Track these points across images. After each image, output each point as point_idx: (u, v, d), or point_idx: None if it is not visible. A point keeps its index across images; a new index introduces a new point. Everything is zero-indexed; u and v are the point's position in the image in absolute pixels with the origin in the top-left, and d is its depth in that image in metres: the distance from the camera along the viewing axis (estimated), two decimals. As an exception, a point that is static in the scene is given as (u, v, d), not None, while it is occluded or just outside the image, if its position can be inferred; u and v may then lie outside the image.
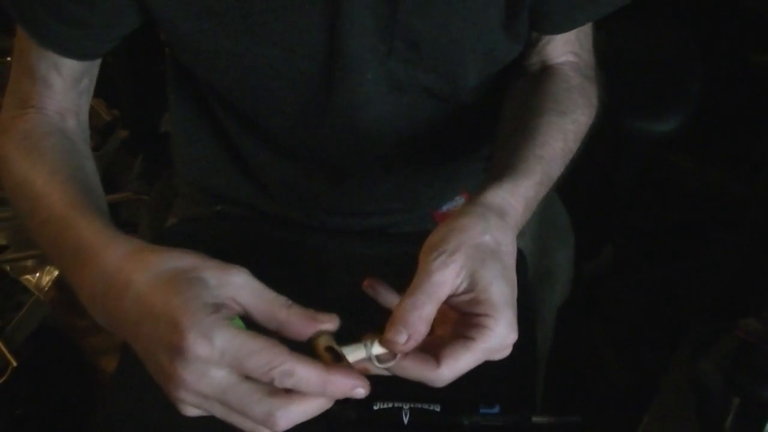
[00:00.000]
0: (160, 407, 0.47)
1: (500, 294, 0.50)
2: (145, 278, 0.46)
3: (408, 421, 0.69)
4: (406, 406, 0.69)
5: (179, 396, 0.44)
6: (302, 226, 0.87)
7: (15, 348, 1.32)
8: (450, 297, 0.50)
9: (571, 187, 0.78)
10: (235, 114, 0.76)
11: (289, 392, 0.44)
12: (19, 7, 0.62)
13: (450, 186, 0.87)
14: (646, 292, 1.62)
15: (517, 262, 0.54)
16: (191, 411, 0.46)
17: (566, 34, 0.70)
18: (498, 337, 0.49)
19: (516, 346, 0.51)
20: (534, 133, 0.63)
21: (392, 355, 0.49)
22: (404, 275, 0.51)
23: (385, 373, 0.50)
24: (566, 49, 0.71)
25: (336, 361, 0.46)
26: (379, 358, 0.49)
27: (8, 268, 1.46)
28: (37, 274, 1.47)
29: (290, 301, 0.47)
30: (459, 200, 0.89)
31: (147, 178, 1.42)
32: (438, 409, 0.69)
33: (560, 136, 0.64)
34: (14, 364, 1.29)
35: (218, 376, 0.43)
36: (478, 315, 0.49)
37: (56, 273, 1.47)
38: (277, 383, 0.43)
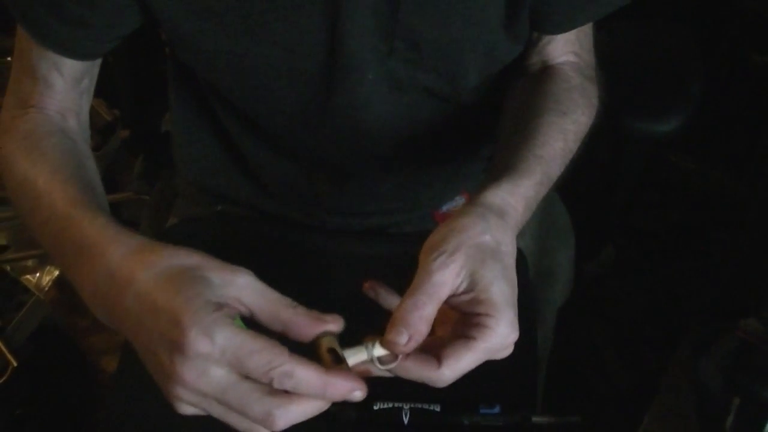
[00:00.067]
0: (160, 407, 0.47)
1: (501, 293, 0.50)
2: (149, 275, 0.46)
3: (408, 421, 0.69)
4: (406, 406, 0.69)
5: (177, 393, 0.44)
6: (302, 226, 0.87)
7: (15, 348, 1.32)
8: (450, 297, 0.50)
9: (572, 187, 0.78)
10: (235, 114, 0.76)
11: (287, 392, 0.44)
12: (20, 6, 0.62)
13: (450, 186, 0.87)
14: (647, 292, 1.62)
15: (518, 262, 0.54)
16: (188, 410, 0.46)
17: (567, 34, 0.70)
18: (499, 337, 0.49)
19: (516, 346, 0.51)
20: (534, 133, 0.63)
21: (394, 356, 0.49)
22: (404, 275, 0.51)
23: (387, 374, 0.50)
24: (567, 49, 0.71)
25: (336, 363, 0.46)
26: (381, 360, 0.49)
27: (8, 268, 1.46)
28: (38, 274, 1.48)
29: (295, 302, 0.47)
30: (459, 200, 0.89)
31: (147, 178, 1.42)
32: (438, 409, 0.69)
33: (560, 136, 0.64)
34: (14, 364, 1.29)
35: (218, 375, 0.43)
36: (479, 315, 0.49)
37: (56, 273, 1.47)
38: (276, 384, 0.43)
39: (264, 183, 0.84)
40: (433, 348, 0.49)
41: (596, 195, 1.37)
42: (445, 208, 0.89)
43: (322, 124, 0.70)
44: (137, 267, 0.47)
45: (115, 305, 0.48)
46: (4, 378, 1.28)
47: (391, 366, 0.49)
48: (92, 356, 1.53)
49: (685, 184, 1.77)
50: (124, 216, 1.53)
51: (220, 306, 0.45)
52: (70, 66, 0.66)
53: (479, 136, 0.82)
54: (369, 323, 0.50)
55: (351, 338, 0.49)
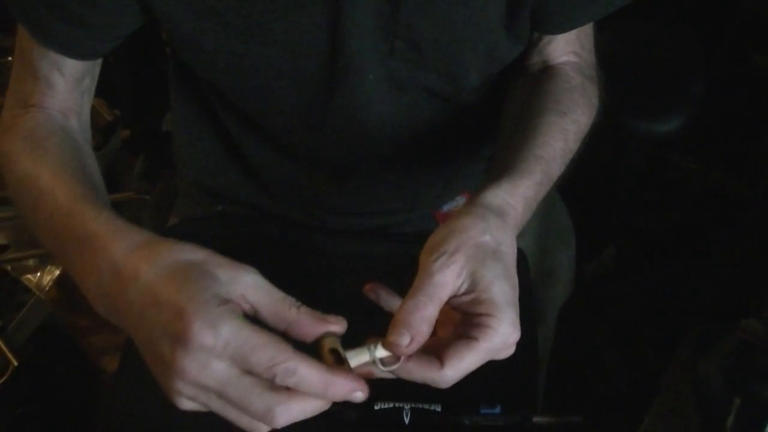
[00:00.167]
0: (161, 407, 0.47)
1: (502, 293, 0.50)
2: (154, 270, 0.46)
3: (409, 421, 0.69)
4: (407, 406, 0.69)
5: (177, 387, 0.44)
6: (303, 226, 0.87)
7: (16, 348, 1.32)
8: (451, 298, 0.50)
9: (573, 188, 0.78)
10: (236, 114, 0.76)
11: (289, 389, 0.44)
12: (21, 6, 0.62)
13: (451, 186, 0.87)
14: (648, 292, 1.62)
15: (519, 262, 0.54)
16: (187, 404, 0.45)
17: (567, 33, 0.70)
18: (501, 336, 0.49)
19: (517, 345, 0.51)
20: (534, 133, 0.63)
21: (396, 357, 0.49)
22: (405, 275, 0.51)
23: (390, 376, 0.50)
24: (567, 49, 0.71)
25: (338, 364, 0.46)
26: (383, 361, 0.49)
27: (9, 267, 1.46)
28: (38, 274, 1.47)
29: (299, 302, 0.47)
30: (460, 200, 0.89)
31: (148, 177, 1.42)
32: (439, 409, 0.69)
33: (560, 136, 0.64)
34: (15, 363, 1.29)
35: (219, 368, 0.43)
36: (480, 315, 0.49)
37: (57, 273, 1.47)
38: (279, 380, 0.43)
39: (264, 183, 0.84)
40: (435, 349, 0.49)
41: (596, 195, 1.37)
42: (445, 208, 0.89)
43: (322, 124, 0.70)
44: (142, 261, 0.47)
45: (119, 299, 0.48)
46: (4, 378, 1.28)
47: (394, 367, 0.49)
48: (92, 356, 1.52)
49: (685, 184, 1.77)
50: (124, 216, 1.52)
51: (225, 301, 0.45)
52: (71, 66, 0.66)
53: (480, 136, 0.82)
54: (369, 323, 0.50)
55: (351, 338, 0.49)
